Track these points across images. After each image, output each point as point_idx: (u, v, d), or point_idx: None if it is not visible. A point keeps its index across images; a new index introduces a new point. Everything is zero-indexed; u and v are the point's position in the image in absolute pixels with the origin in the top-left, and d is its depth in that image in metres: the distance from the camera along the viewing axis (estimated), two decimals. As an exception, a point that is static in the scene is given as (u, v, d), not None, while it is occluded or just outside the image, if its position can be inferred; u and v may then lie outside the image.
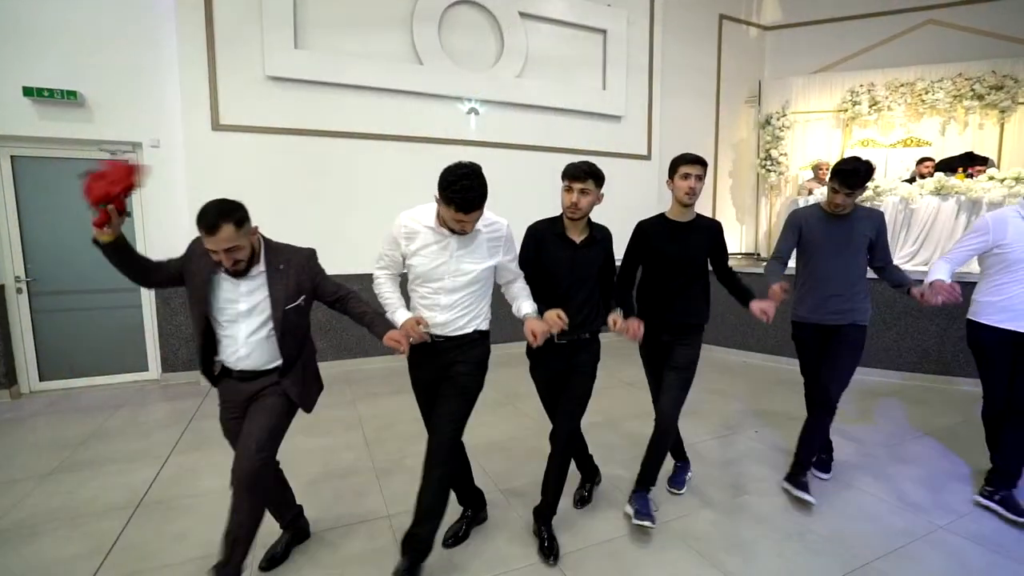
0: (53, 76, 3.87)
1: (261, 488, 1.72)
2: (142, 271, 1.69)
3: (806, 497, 2.36)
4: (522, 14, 5.29)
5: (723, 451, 3.04)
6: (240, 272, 1.68)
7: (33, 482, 2.64)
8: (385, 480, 2.67)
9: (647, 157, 6.21)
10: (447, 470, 1.88)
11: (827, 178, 2.34)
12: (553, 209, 2.15)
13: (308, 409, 1.90)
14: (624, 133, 6.03)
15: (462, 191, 1.64)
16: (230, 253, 1.58)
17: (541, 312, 1.95)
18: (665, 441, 2.28)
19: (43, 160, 4.05)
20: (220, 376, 1.85)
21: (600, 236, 2.13)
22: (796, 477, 2.47)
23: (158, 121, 4.20)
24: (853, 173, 2.25)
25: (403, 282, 1.97)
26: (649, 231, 2.29)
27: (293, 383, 1.83)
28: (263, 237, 1.78)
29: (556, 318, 1.86)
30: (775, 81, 6.99)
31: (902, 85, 6.30)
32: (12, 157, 3.96)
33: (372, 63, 4.70)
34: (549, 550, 2.01)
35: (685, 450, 2.69)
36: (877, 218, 2.45)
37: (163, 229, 4.27)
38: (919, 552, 2.08)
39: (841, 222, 2.41)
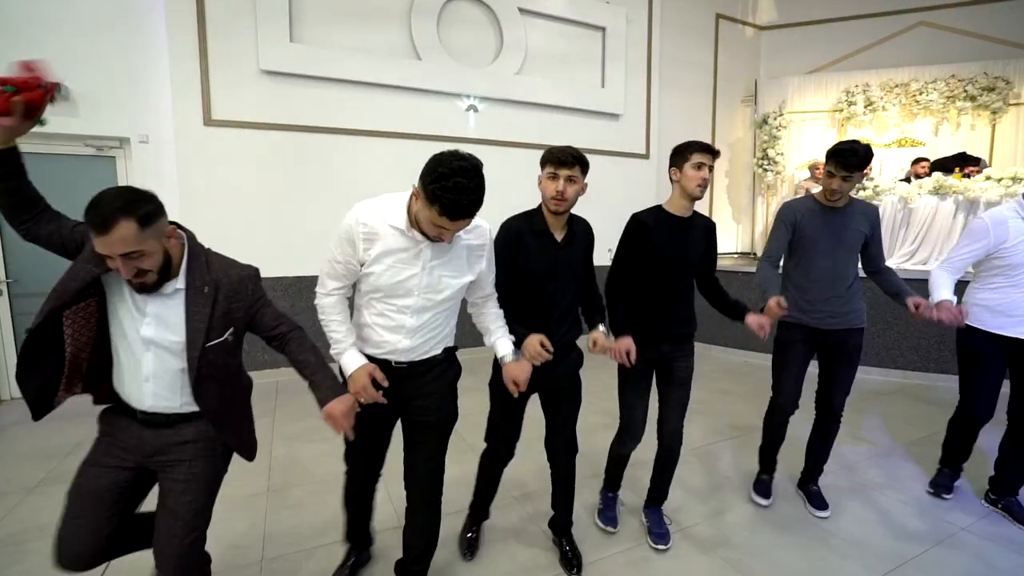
0: (36, 67, 3.69)
1: (197, 571, 1.42)
2: (27, 206, 1.28)
3: (819, 514, 2.34)
4: (521, 10, 5.20)
5: (735, 453, 3.00)
6: (147, 287, 1.25)
7: (19, 495, 2.50)
8: (393, 486, 2.53)
9: (645, 156, 6.18)
10: (436, 512, 1.71)
11: (823, 163, 2.21)
12: None
13: (251, 456, 1.52)
14: (622, 131, 5.98)
15: (455, 191, 1.26)
16: (130, 260, 1.15)
17: (518, 336, 1.70)
18: (673, 455, 2.13)
19: (25, 156, 3.85)
20: (113, 409, 1.40)
21: (580, 231, 1.87)
22: (808, 486, 2.47)
23: (147, 116, 4.03)
24: (851, 153, 2.05)
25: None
26: (650, 226, 1.97)
27: (229, 433, 1.43)
28: (190, 241, 1.34)
29: (539, 349, 1.61)
30: (771, 81, 7.01)
31: (896, 86, 6.35)
32: (-8, 152, 3.78)
33: (369, 58, 4.58)
34: (572, 561, 1.94)
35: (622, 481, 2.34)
36: (873, 213, 2.28)
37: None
38: (945, 555, 2.05)
39: (837, 215, 2.22)
